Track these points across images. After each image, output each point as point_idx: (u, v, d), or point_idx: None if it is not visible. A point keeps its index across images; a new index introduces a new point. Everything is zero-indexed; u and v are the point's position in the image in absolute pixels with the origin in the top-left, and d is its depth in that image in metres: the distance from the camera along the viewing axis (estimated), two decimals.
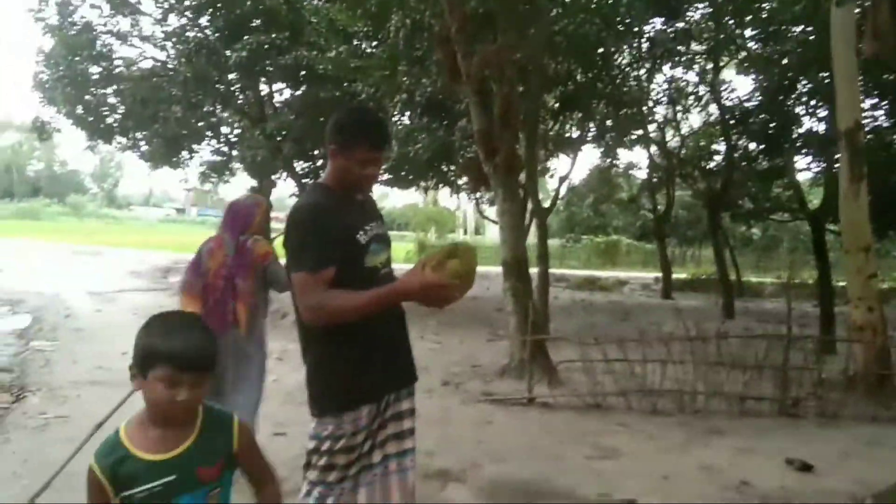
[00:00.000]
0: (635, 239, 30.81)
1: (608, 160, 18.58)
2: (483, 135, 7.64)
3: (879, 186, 7.39)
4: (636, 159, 46.33)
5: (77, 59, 15.13)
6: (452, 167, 14.05)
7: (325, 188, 2.17)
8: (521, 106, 8.94)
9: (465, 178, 15.31)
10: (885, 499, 3.48)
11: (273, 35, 13.39)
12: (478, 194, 17.76)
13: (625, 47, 13.09)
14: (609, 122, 14.76)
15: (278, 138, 15.14)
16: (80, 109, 16.18)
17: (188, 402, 1.48)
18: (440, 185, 18.22)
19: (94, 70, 15.75)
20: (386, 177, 15.68)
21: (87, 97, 16.05)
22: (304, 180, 16.81)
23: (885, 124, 11.57)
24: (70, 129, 17.30)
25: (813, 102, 11.67)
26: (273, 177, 18.07)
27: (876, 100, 11.33)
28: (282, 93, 16.75)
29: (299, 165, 17.08)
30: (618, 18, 11.17)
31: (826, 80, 9.43)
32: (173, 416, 1.50)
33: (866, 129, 9.57)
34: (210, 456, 1.55)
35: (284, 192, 31.26)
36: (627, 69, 13.95)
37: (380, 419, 2.11)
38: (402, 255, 30.89)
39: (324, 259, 1.97)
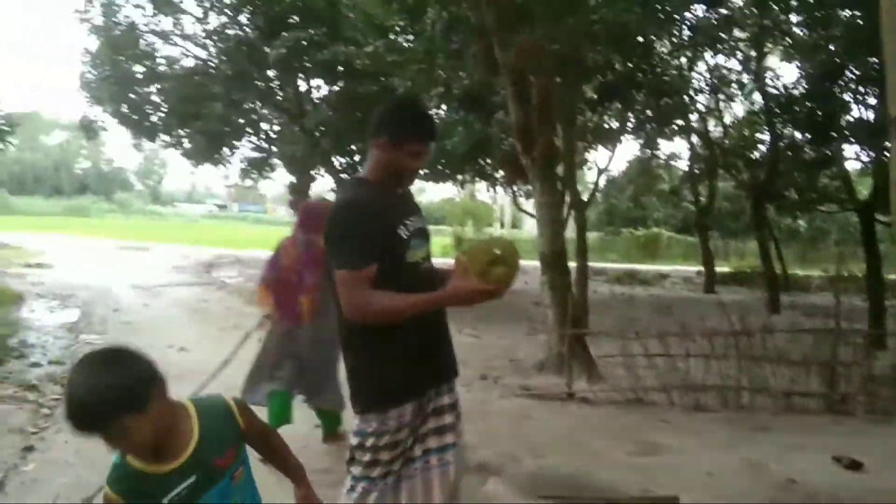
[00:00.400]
0: (676, 232, 30.30)
1: (648, 151, 18.29)
2: (520, 127, 7.58)
3: None
4: (677, 150, 45.44)
5: (121, 58, 15.53)
6: (489, 160, 14.00)
7: (366, 182, 2.15)
8: (558, 97, 8.85)
9: (502, 172, 15.25)
10: None
11: (311, 31, 13.52)
12: (515, 187, 17.67)
13: (665, 35, 12.83)
14: (649, 113, 14.51)
15: (316, 134, 15.30)
16: (124, 108, 16.61)
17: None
18: (477, 179, 18.17)
19: (138, 69, 16.15)
20: (423, 171, 15.71)
21: (131, 96, 16.47)
22: (341, 175, 16.95)
23: None
24: (116, 127, 17.79)
25: (862, 89, 11.26)
26: (311, 172, 18.27)
27: None
28: (319, 89, 16.93)
29: (337, 160, 17.23)
30: (658, 6, 10.95)
31: (875, 66, 9.10)
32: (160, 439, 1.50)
33: None
34: (221, 445, 1.58)
35: (323, 187, 31.60)
36: (668, 58, 13.68)
37: (421, 414, 2.10)
38: (438, 250, 30.94)
39: (366, 256, 1.96)
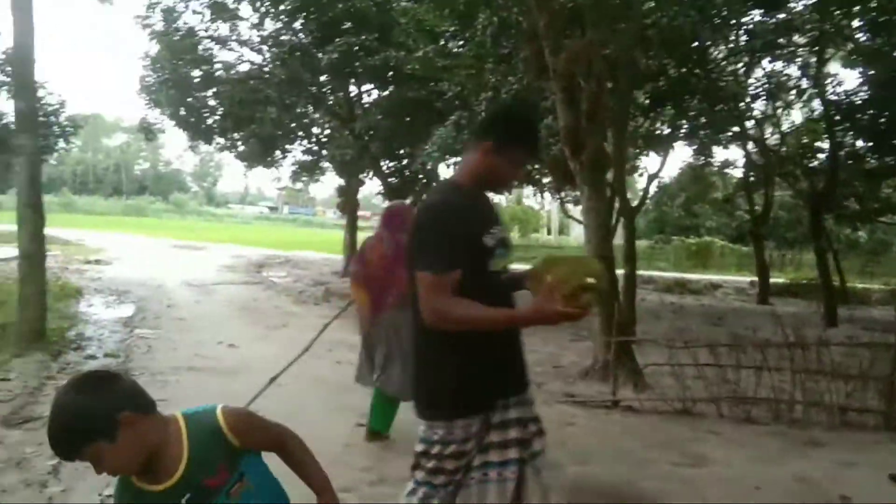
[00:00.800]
0: (730, 241, 29.51)
1: (702, 158, 17.90)
2: (569, 131, 7.51)
3: None
4: (732, 157, 44.36)
5: (180, 62, 16.03)
6: (537, 165, 13.92)
7: (458, 186, 2.10)
8: (609, 102, 8.75)
9: (549, 177, 15.13)
10: None
11: (363, 37, 13.71)
12: (562, 193, 17.52)
13: (721, 40, 12.55)
14: (703, 119, 14.20)
15: (365, 138, 15.49)
16: (182, 111, 17.14)
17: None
18: (524, 184, 18.09)
19: (196, 73, 16.63)
20: None
21: (188, 99, 16.98)
22: (389, 179, 17.11)
23: None
24: (173, 130, 18.38)
25: None
26: (360, 176, 18.49)
27: None
28: (370, 93, 17.14)
29: (386, 164, 17.41)
30: (714, 11, 10.73)
31: None
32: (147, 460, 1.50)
33: None
34: (210, 465, 1.54)
35: (371, 190, 31.92)
36: (724, 63, 13.38)
37: (486, 426, 2.04)
38: None
39: (452, 261, 1.93)
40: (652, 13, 9.95)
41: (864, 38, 12.04)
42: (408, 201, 4.97)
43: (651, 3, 9.95)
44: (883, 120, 11.39)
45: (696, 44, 11.34)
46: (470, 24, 10.91)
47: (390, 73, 14.56)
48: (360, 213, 20.93)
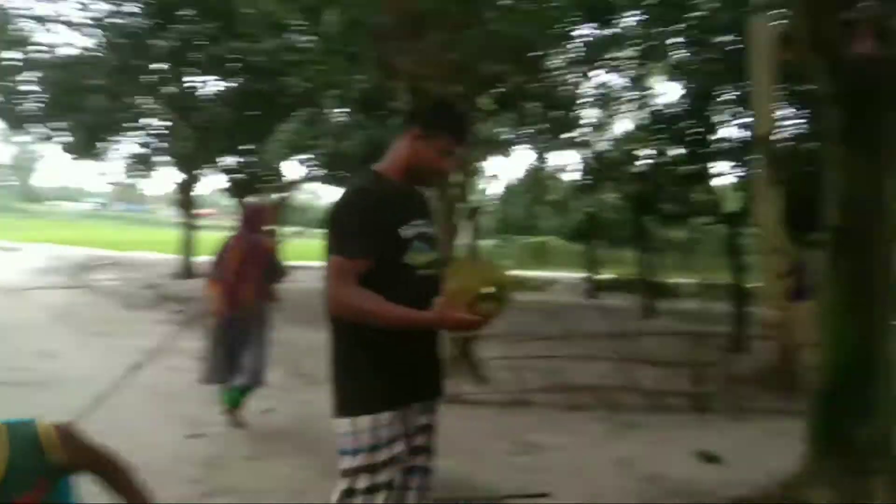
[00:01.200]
0: (566, 240, 31.39)
1: (541, 162, 18.89)
2: None
3: (795, 192, 7.78)
4: (568, 162, 47.16)
5: None
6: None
7: (379, 175, 2.05)
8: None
9: None
10: (788, 488, 3.66)
11: (204, 25, 13.02)
12: None
13: (559, 50, 13.32)
14: (542, 125, 15.00)
15: (207, 131, 14.73)
16: None
17: None
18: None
19: (12, 56, 14.92)
20: (319, 173, 15.50)
21: (2, 83, 15.22)
22: (232, 175, 16.43)
23: (803, 133, 12.18)
24: None
25: (735, 110, 12.18)
26: (200, 170, 17.58)
27: (795, 109, 11.91)
28: (209, 84, 16.28)
29: (229, 159, 16.67)
30: (552, 22, 11.35)
31: (747, 89, 9.85)
32: None
33: (788, 137, 10.06)
34: (26, 480, 1.43)
35: (213, 186, 30.42)
36: (561, 72, 14.20)
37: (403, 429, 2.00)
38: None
39: (364, 247, 1.89)
40: (495, 21, 10.34)
41: (684, 54, 13.31)
42: (267, 200, 5.43)
43: (495, 12, 10.35)
44: (695, 131, 12.68)
45: (536, 53, 11.93)
46: (318, 20, 10.73)
47: (234, 64, 13.94)
48: (200, 210, 19.87)
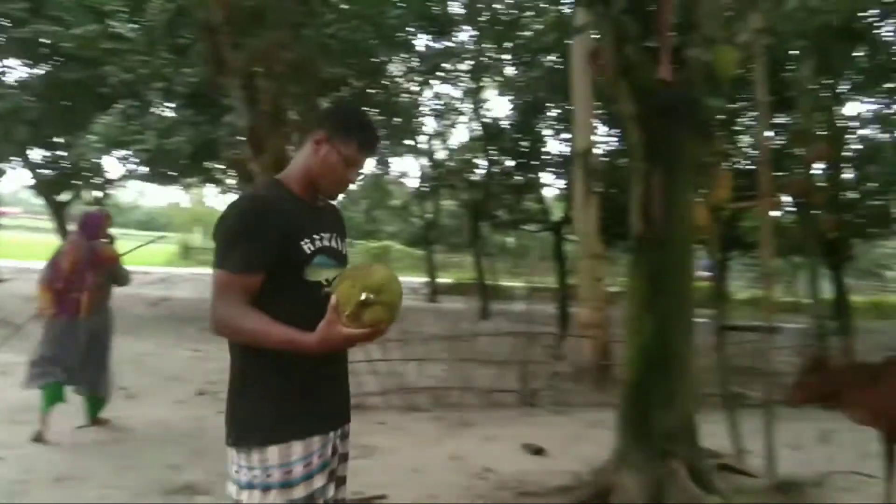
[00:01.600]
0: (406, 245, 31.88)
1: (382, 167, 19.05)
2: (251, 132, 7.40)
3: (611, 202, 8.51)
4: (408, 168, 47.93)
5: None
6: (219, 164, 13.38)
7: (280, 184, 1.87)
8: (292, 106, 8.81)
9: (235, 177, 14.65)
10: (600, 474, 3.99)
11: (8, 4, 11.63)
12: None
13: (397, 58, 13.53)
14: (383, 131, 15.14)
15: (10, 121, 13.16)
16: None
17: None
18: (205, 183, 17.23)
19: None
20: (143, 171, 14.46)
21: None
22: (41, 170, 14.86)
23: (616, 149, 13.36)
24: None
25: (559, 126, 13.10)
26: (2, 164, 15.70)
27: (609, 128, 13.04)
28: (12, 70, 14.58)
29: (36, 153, 15.03)
30: (390, 30, 11.52)
31: (569, 106, 10.64)
32: None
33: (604, 153, 10.98)
34: None
35: (17, 183, 27.23)
36: (400, 80, 14.43)
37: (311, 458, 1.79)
38: (163, 259, 28.59)
39: (253, 261, 1.70)
40: (333, 24, 10.30)
41: (514, 71, 14.08)
42: (102, 209, 5.30)
43: (332, 14, 10.31)
44: (524, 143, 13.48)
45: (375, 59, 12.04)
46: (141, 7, 10.04)
47: (43, 49, 12.59)
48: (2, 209, 17.73)
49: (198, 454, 4.42)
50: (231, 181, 15.91)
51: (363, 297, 1.59)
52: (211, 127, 11.56)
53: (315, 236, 1.80)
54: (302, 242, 1.77)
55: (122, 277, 4.95)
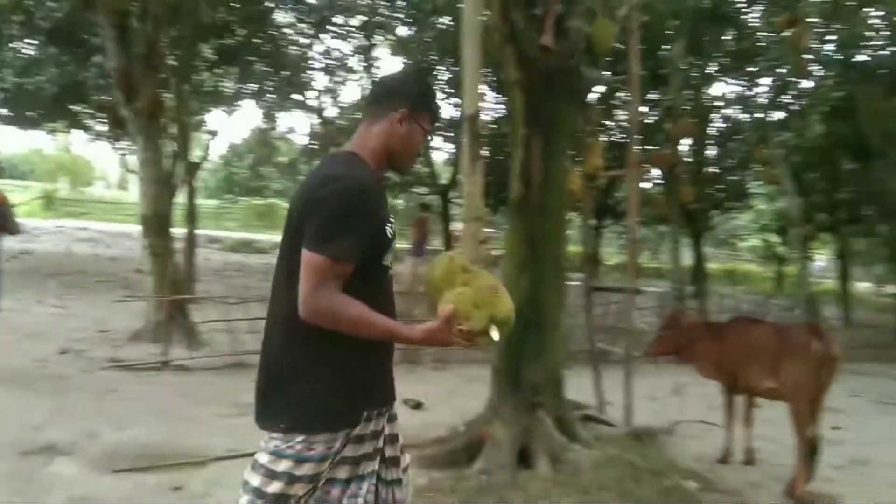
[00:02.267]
0: None
1: (268, 122, 18.38)
2: (121, 74, 6.93)
3: (497, 167, 8.71)
4: (296, 124, 46.47)
5: None
6: (87, 108, 12.41)
7: (363, 162, 1.76)
8: (169, 50, 8.30)
9: (105, 123, 13.65)
10: (473, 426, 4.17)
11: None
12: (120, 142, 16.01)
13: (285, 8, 13.00)
14: (269, 83, 14.57)
15: None
16: None
17: None
18: (71, 128, 15.95)
19: None
20: (1, 112, 13.20)
21: None
22: None
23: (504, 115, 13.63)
24: None
25: (449, 90, 13.14)
26: None
27: (496, 93, 13.26)
28: None
29: None
30: None
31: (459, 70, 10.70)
32: None
33: (491, 118, 11.18)
34: None
35: None
36: (288, 31, 13.88)
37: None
38: (24, 210, 26.28)
39: (354, 251, 1.63)
40: None
41: (406, 31, 13.91)
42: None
43: None
44: None
45: (260, 5, 11.52)
46: None
47: None
48: None
49: (61, 414, 4.22)
50: (101, 127, 14.83)
51: (491, 330, 1.61)
52: (78, 68, 10.68)
53: (391, 220, 1.77)
54: (387, 227, 1.74)
55: (13, 225, 4.82)
